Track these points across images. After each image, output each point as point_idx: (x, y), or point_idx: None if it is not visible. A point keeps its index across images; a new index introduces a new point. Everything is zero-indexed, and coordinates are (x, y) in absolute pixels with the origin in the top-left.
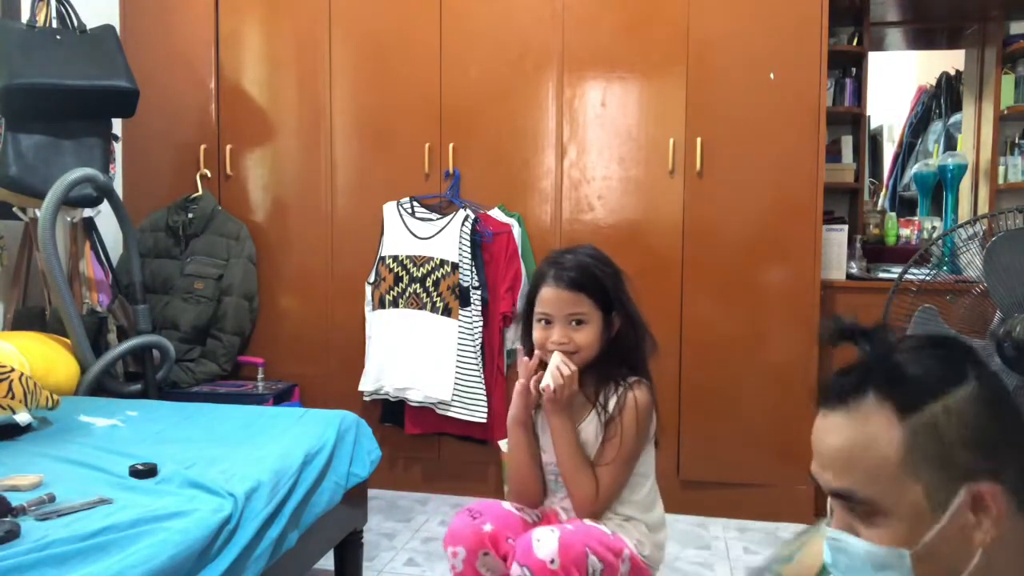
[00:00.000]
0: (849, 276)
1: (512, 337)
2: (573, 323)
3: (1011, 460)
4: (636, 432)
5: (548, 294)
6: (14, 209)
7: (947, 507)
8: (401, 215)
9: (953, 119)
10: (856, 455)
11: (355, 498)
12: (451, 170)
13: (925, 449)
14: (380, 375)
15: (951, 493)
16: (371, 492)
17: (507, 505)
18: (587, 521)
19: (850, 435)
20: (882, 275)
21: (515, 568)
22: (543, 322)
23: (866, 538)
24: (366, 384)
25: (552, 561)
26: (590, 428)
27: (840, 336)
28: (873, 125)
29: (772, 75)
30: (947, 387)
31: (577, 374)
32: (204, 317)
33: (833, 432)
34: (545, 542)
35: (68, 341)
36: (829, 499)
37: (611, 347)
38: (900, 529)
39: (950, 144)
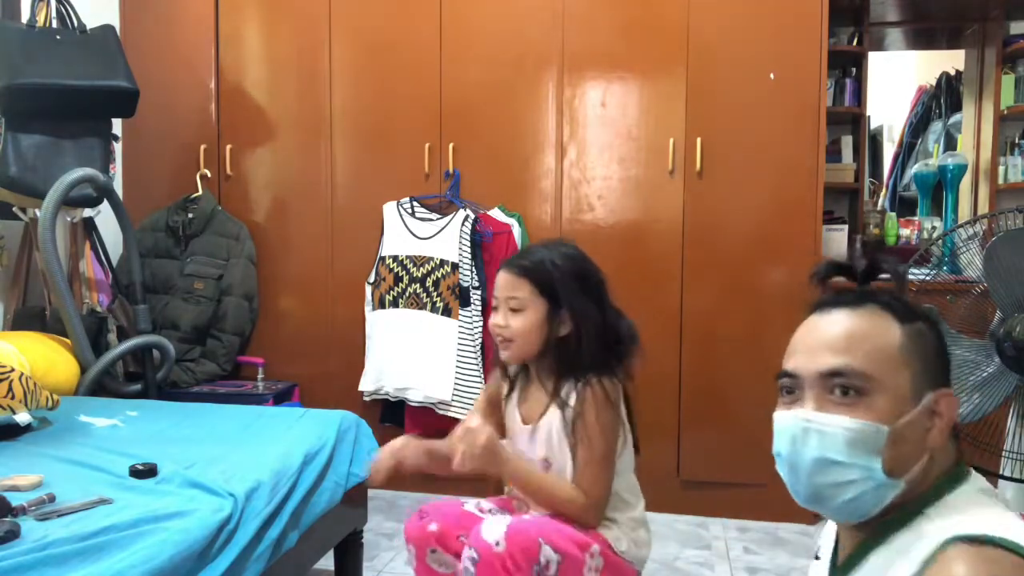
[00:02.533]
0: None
1: None
2: (510, 309)
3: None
4: (600, 428)
5: (498, 278)
6: (14, 209)
7: (920, 401)
8: (401, 215)
9: (953, 119)
10: (861, 336)
11: (355, 498)
12: (451, 170)
13: (917, 347)
14: (380, 375)
15: (924, 390)
16: (371, 492)
17: (469, 505)
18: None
19: (856, 322)
20: (882, 275)
21: (466, 551)
22: (494, 309)
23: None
24: (366, 384)
25: (497, 544)
26: (553, 421)
27: (838, 272)
28: (873, 125)
29: (772, 75)
30: (924, 318)
31: (478, 439)
32: (204, 317)
33: (836, 322)
34: (494, 526)
35: (68, 341)
36: (797, 391)
37: (564, 343)
38: (884, 408)
39: (950, 144)
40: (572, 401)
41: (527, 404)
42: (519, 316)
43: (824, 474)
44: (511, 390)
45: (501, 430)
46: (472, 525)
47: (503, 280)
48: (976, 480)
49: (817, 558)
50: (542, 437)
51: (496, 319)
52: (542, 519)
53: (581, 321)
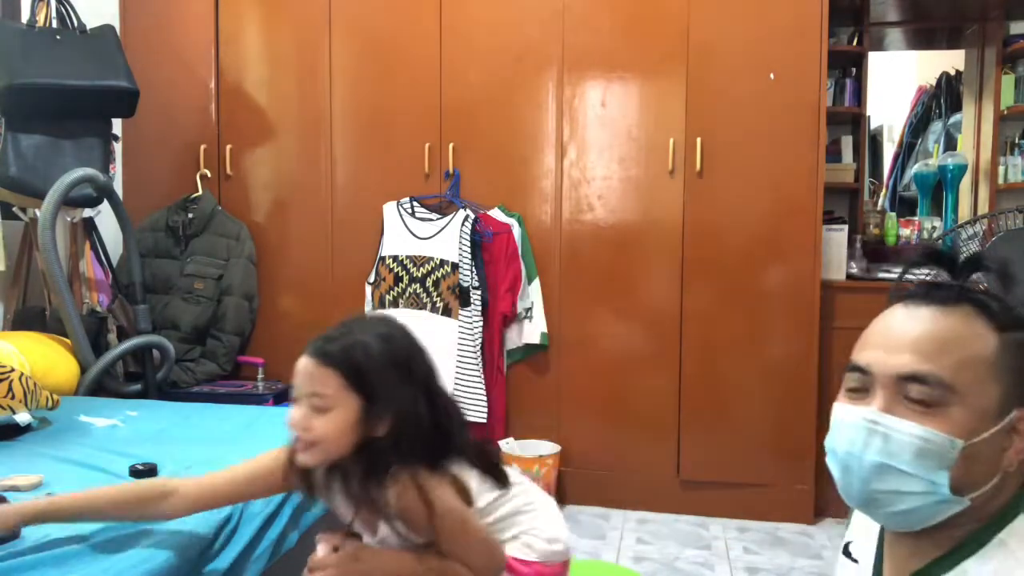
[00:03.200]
0: (849, 276)
1: (514, 337)
2: (313, 409)
3: None
4: (441, 514)
5: (299, 365)
6: (14, 209)
7: (1003, 419)
8: (401, 215)
9: (953, 119)
10: (952, 342)
11: None
12: (451, 170)
13: (1012, 362)
14: None
15: (1010, 407)
16: None
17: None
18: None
19: (947, 326)
20: (882, 275)
21: None
22: (295, 399)
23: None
24: None
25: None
26: (387, 533)
27: (934, 261)
28: (873, 125)
29: (772, 75)
30: None
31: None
32: (204, 317)
33: (923, 320)
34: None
35: (68, 341)
36: (869, 388)
37: (378, 443)
38: (963, 421)
39: (950, 144)
40: (393, 520)
41: (356, 509)
42: (325, 417)
43: (883, 481)
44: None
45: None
46: None
47: (304, 370)
48: None
49: (847, 553)
50: (393, 544)
51: (295, 416)
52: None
53: (401, 421)
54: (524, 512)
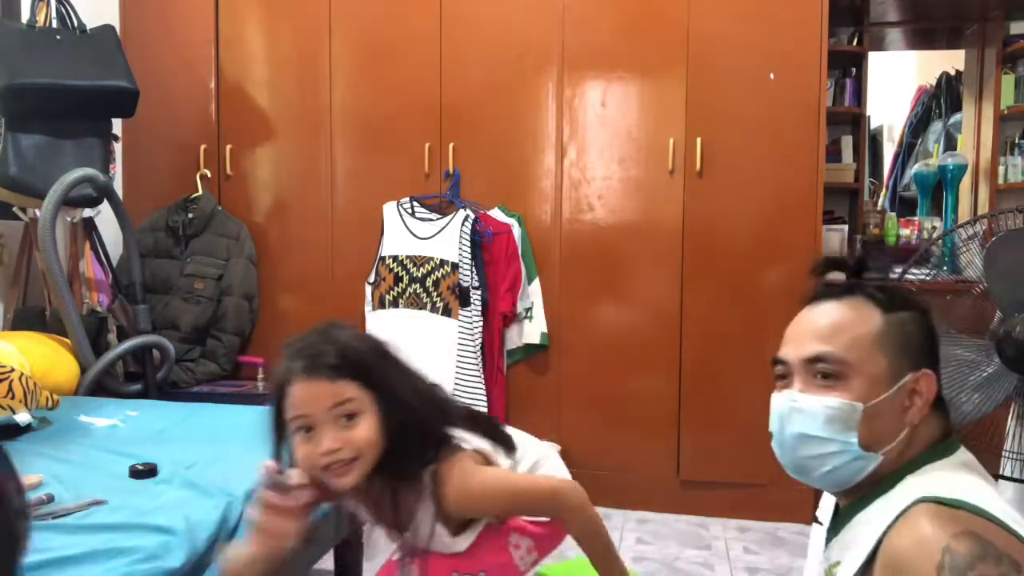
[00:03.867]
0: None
1: (514, 337)
2: (343, 419)
3: (936, 369)
4: (495, 483)
5: (298, 392)
6: (14, 209)
7: (897, 382)
8: (401, 215)
9: (953, 119)
10: (844, 325)
11: None
12: (451, 170)
13: (894, 336)
14: None
15: (902, 372)
16: None
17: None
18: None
19: (841, 312)
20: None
21: None
22: (303, 431)
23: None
24: None
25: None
26: (423, 529)
27: (834, 267)
28: (873, 125)
29: (772, 75)
30: (910, 306)
31: None
32: (204, 317)
33: (824, 313)
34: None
35: (68, 341)
36: (788, 376)
37: (400, 438)
38: (860, 389)
39: (950, 144)
40: (425, 517)
41: (382, 519)
42: (357, 425)
43: (806, 447)
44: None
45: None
46: None
47: (315, 391)
48: (961, 454)
49: (817, 521)
50: (424, 541)
51: (324, 445)
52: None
53: (406, 411)
54: (537, 470)
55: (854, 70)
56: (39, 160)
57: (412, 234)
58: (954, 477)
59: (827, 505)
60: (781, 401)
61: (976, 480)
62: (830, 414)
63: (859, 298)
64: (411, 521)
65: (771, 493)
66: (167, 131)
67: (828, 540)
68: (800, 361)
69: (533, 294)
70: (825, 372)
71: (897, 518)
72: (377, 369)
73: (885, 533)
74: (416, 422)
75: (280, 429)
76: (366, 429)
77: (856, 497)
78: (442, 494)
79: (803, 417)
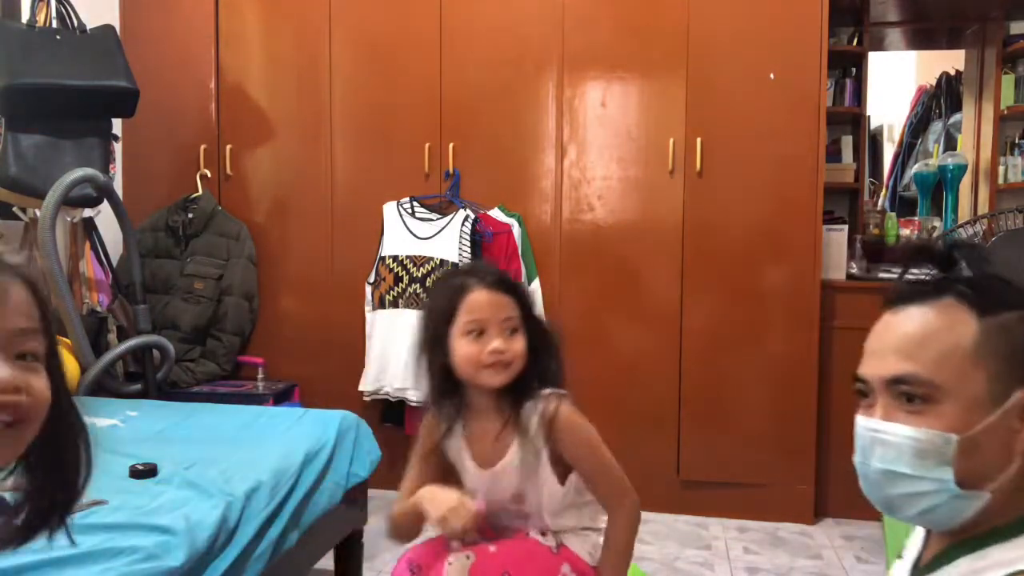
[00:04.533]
0: (849, 276)
1: None
2: (508, 330)
3: None
4: (593, 439)
5: (478, 299)
6: (14, 209)
7: (1003, 403)
8: (401, 215)
9: (953, 119)
10: (930, 338)
11: (355, 498)
12: (451, 170)
13: (996, 345)
14: (380, 375)
15: (1009, 390)
16: (371, 492)
17: (455, 547)
18: (532, 534)
19: (926, 321)
20: (882, 275)
21: None
22: (473, 333)
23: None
24: (366, 384)
25: None
26: (519, 456)
27: (923, 255)
28: (873, 125)
29: (772, 75)
30: (1020, 304)
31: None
32: (204, 317)
33: (906, 321)
34: (456, 566)
35: (68, 341)
36: (872, 395)
37: (531, 367)
38: (954, 415)
39: (950, 144)
40: (535, 424)
41: (478, 444)
42: (517, 338)
43: (894, 486)
44: (449, 429)
45: (440, 477)
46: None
47: (490, 300)
48: None
49: (900, 557)
50: (509, 476)
51: (494, 344)
52: (506, 550)
53: (546, 336)
54: None
55: (854, 70)
56: (39, 160)
57: (412, 234)
58: None
59: (915, 537)
60: (862, 429)
61: None
62: (919, 447)
63: (949, 299)
64: (501, 459)
65: (771, 493)
66: (167, 131)
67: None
68: (881, 381)
69: (533, 294)
70: (911, 394)
71: None
72: (529, 302)
73: None
74: (545, 353)
75: (443, 330)
76: (521, 343)
77: (965, 537)
78: (555, 416)
79: (887, 450)
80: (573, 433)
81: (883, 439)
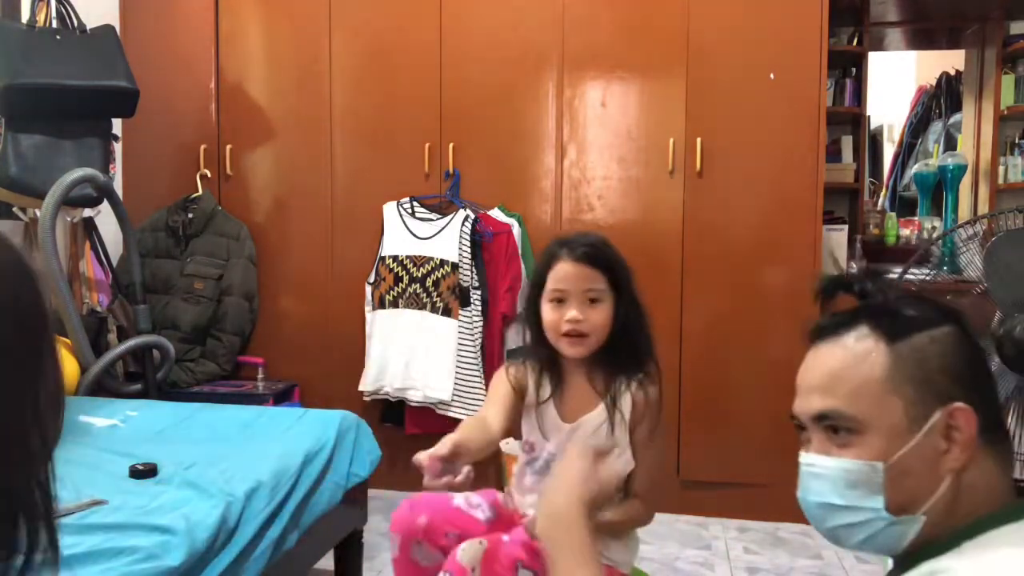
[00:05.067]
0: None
1: (514, 337)
2: (588, 301)
3: (982, 398)
4: (658, 434)
5: (563, 269)
6: (14, 209)
7: (923, 426)
8: (401, 215)
9: (953, 119)
10: (843, 374)
11: (355, 498)
12: (451, 170)
13: (908, 370)
14: (380, 375)
15: (928, 412)
16: (371, 492)
17: (458, 500)
18: None
19: (839, 357)
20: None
21: (441, 574)
22: (556, 301)
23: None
24: (366, 384)
25: (473, 570)
26: (596, 420)
27: (837, 287)
28: (873, 125)
29: (772, 75)
30: (932, 324)
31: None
32: (204, 317)
33: (824, 357)
34: (469, 551)
35: (68, 341)
36: (807, 431)
37: (618, 337)
38: (877, 445)
39: (950, 144)
40: (627, 401)
41: (564, 402)
42: (597, 309)
43: (832, 518)
44: (540, 385)
45: (513, 426)
46: (460, 521)
47: (573, 271)
48: None
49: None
50: (581, 435)
51: (570, 313)
52: (520, 541)
53: (638, 315)
54: None
55: (854, 70)
56: (39, 160)
57: (412, 234)
58: (1017, 555)
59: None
60: (800, 465)
61: None
62: (848, 478)
63: (861, 329)
64: (583, 416)
65: (771, 493)
66: (167, 131)
67: None
68: (808, 418)
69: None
70: (836, 428)
71: None
72: (621, 276)
73: None
74: (635, 328)
75: (537, 293)
76: (602, 314)
77: (909, 556)
78: (646, 396)
79: (821, 483)
80: (652, 417)
81: (816, 472)
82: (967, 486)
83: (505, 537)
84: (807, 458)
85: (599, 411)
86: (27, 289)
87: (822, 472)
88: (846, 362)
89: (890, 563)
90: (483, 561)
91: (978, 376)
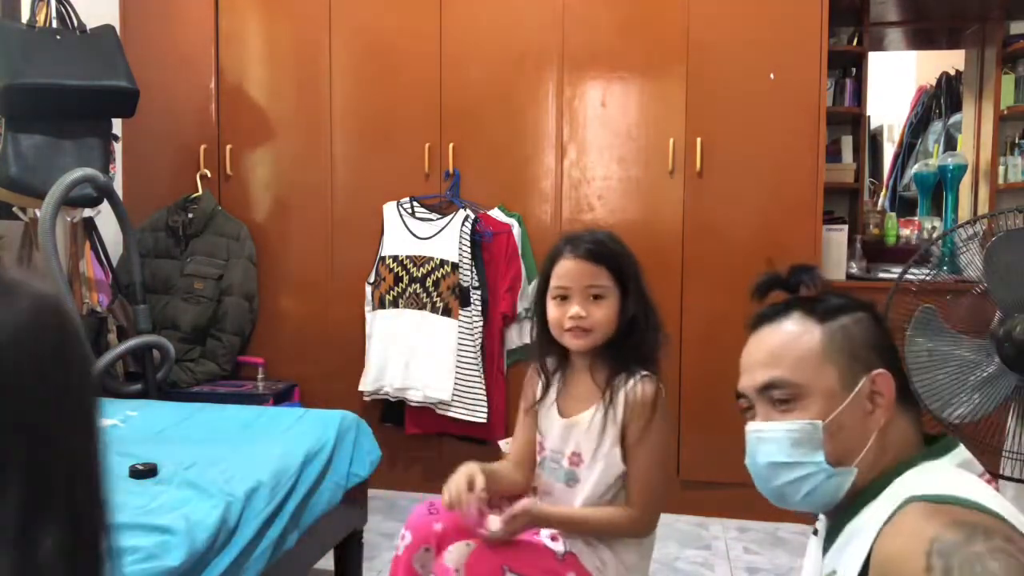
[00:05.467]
0: (849, 276)
1: (514, 337)
2: (591, 297)
3: (894, 366)
4: (659, 432)
5: (566, 266)
6: (14, 209)
7: (853, 388)
8: (401, 215)
9: (953, 119)
10: (785, 348)
11: (355, 498)
12: (451, 170)
13: (839, 343)
14: (380, 375)
15: (857, 377)
16: (371, 492)
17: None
18: (541, 536)
19: (779, 335)
20: (882, 275)
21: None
22: (559, 298)
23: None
24: (366, 384)
25: (456, 571)
26: (596, 417)
27: (772, 285)
28: (873, 125)
29: (772, 75)
30: (851, 309)
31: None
32: (204, 317)
33: (766, 337)
34: (455, 552)
35: None
36: (753, 406)
37: (624, 334)
38: (816, 407)
39: (950, 144)
40: (621, 398)
41: (567, 398)
42: (600, 305)
43: (778, 476)
44: (548, 385)
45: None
46: (475, 535)
47: (575, 268)
48: (960, 453)
49: (815, 532)
50: (579, 431)
51: (572, 311)
52: (509, 545)
53: (650, 306)
54: None
55: (854, 70)
56: (39, 160)
57: (412, 234)
58: (946, 476)
59: (823, 516)
60: (748, 434)
61: (971, 479)
62: (793, 437)
63: (796, 315)
64: (579, 413)
65: None
66: (167, 131)
67: (824, 551)
68: (755, 391)
69: (533, 294)
70: (780, 398)
71: (887, 521)
72: (629, 273)
73: (876, 538)
74: (642, 324)
75: (543, 289)
76: (606, 310)
77: (845, 507)
78: (639, 394)
79: (768, 446)
80: (644, 415)
81: (763, 436)
82: (889, 441)
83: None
84: (753, 425)
85: (593, 411)
86: (70, 339)
87: (769, 435)
88: (786, 338)
89: (822, 525)
90: (467, 563)
91: (890, 352)
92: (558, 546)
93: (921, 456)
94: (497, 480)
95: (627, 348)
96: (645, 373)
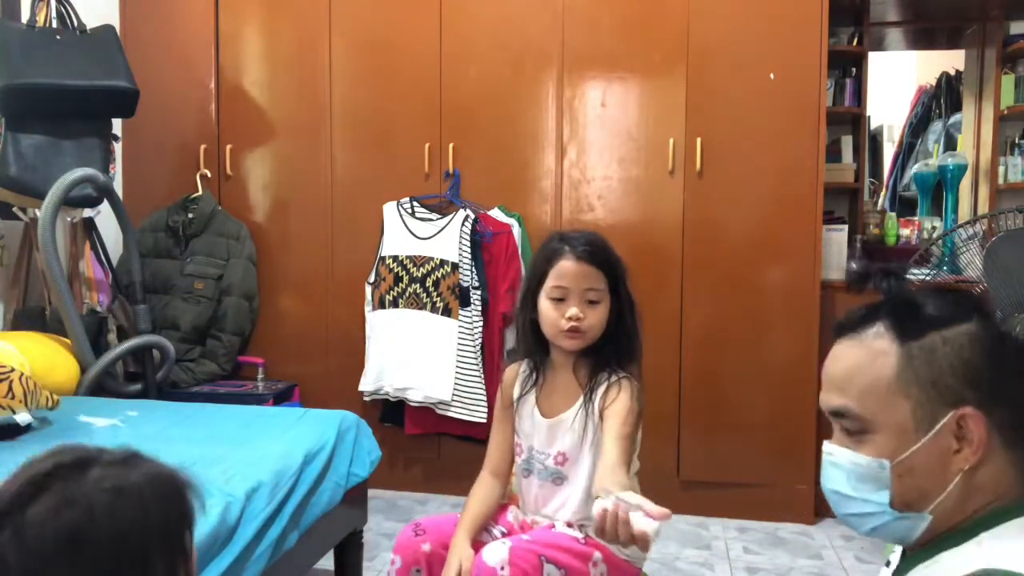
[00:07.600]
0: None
1: (513, 337)
2: (588, 301)
3: (1002, 399)
4: (631, 411)
5: (566, 267)
6: (14, 209)
7: (932, 428)
8: (401, 215)
9: (953, 119)
10: (854, 374)
11: (355, 498)
12: (451, 170)
13: (918, 371)
14: (380, 375)
15: (937, 415)
16: (371, 492)
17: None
18: (555, 529)
19: (853, 354)
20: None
21: None
22: (556, 299)
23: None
24: (366, 384)
25: (502, 568)
26: (576, 417)
27: (864, 279)
28: (873, 125)
29: (772, 75)
30: (950, 322)
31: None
32: (204, 317)
33: (841, 356)
34: (495, 551)
35: (68, 341)
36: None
37: (611, 336)
38: (885, 444)
39: (950, 144)
40: (600, 392)
41: (547, 397)
42: (595, 309)
43: (843, 505)
44: (536, 383)
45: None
46: None
47: (576, 270)
48: None
49: (887, 564)
50: (563, 430)
51: (571, 311)
52: (541, 535)
53: (633, 317)
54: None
55: (854, 70)
56: (39, 160)
57: (412, 234)
58: None
59: (898, 548)
60: (823, 452)
61: None
62: (858, 471)
63: (878, 328)
64: (562, 413)
65: (771, 493)
66: (167, 131)
67: None
68: (827, 412)
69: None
70: (848, 428)
71: None
72: (621, 277)
73: None
74: (627, 329)
75: (535, 287)
76: (599, 314)
77: (922, 547)
78: (617, 391)
79: (835, 472)
80: (619, 400)
81: (833, 461)
82: (978, 484)
83: (524, 536)
84: (828, 446)
85: (575, 410)
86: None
87: (838, 462)
88: (858, 360)
89: (895, 557)
90: (510, 560)
91: (998, 375)
92: (576, 533)
93: (1019, 507)
94: (484, 521)
95: (609, 351)
96: (624, 375)
